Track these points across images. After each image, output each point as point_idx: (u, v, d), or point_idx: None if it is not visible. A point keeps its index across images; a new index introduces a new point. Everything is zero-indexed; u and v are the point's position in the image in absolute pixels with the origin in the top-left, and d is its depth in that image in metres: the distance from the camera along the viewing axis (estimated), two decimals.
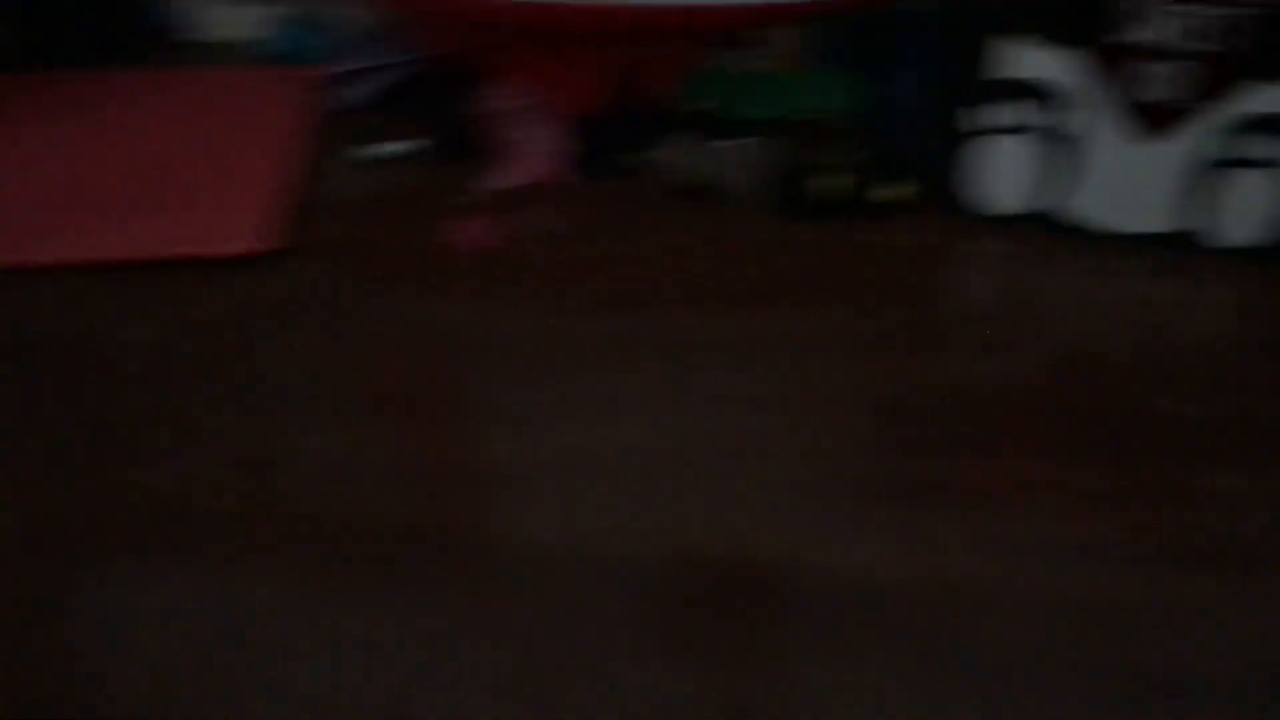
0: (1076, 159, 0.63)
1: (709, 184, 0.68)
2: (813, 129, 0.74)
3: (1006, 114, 0.63)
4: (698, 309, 0.60)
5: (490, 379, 0.55)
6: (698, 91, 0.74)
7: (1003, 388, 0.55)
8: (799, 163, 0.68)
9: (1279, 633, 0.43)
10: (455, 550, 0.45)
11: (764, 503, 0.48)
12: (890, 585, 0.44)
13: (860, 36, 0.73)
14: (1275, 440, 0.52)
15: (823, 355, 0.57)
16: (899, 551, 0.45)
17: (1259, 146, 0.60)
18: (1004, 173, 0.65)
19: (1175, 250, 0.64)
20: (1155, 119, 0.61)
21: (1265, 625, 0.43)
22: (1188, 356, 0.57)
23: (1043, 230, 0.66)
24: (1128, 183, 0.63)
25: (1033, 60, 0.61)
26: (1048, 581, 0.44)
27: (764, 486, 0.49)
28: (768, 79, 0.73)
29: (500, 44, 0.71)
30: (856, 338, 0.58)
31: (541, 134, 0.69)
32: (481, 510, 0.47)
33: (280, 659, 0.40)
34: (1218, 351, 0.58)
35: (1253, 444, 0.52)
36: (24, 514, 0.46)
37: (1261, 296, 0.62)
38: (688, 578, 0.44)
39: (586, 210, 0.68)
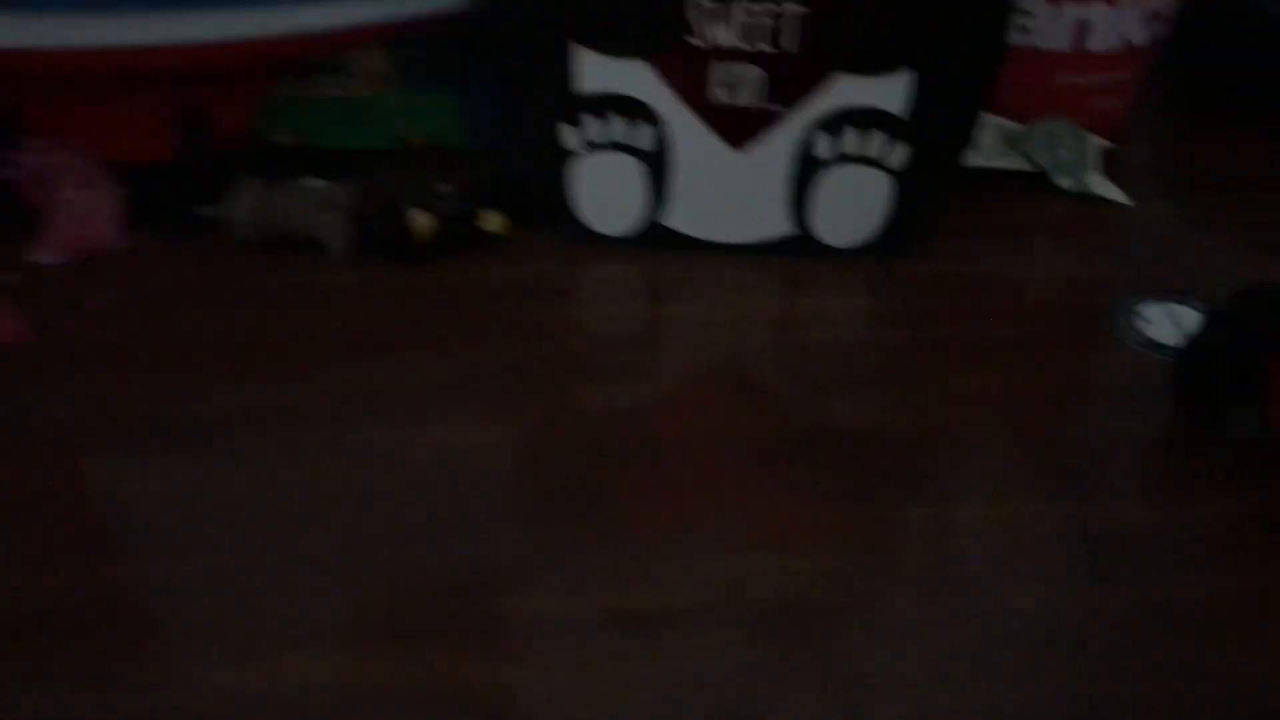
0: (677, 173, 0.60)
1: (294, 230, 0.61)
2: (410, 158, 0.68)
3: (600, 130, 0.59)
4: (298, 379, 0.53)
5: (77, 489, 0.47)
6: (277, 125, 0.66)
7: (645, 421, 0.51)
8: (395, 197, 0.62)
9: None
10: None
11: (409, 600, 0.42)
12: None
13: (451, 55, 0.67)
14: (918, 459, 0.50)
15: (442, 408, 0.51)
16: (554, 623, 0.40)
17: (853, 142, 0.58)
18: (608, 192, 0.61)
19: (792, 256, 0.62)
20: (746, 124, 0.58)
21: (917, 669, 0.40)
22: (830, 369, 0.55)
23: (656, 249, 0.62)
24: (733, 192, 0.60)
25: (617, 73, 0.57)
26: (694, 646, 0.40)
27: (399, 582, 0.43)
28: (356, 106, 0.67)
29: (31, 94, 0.62)
30: (475, 384, 0.53)
31: (89, 194, 0.60)
32: (147, 648, 0.40)
33: None
34: (856, 362, 0.55)
35: (925, 463, 0.49)
36: None
37: (884, 297, 0.60)
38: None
39: (147, 278, 0.59)
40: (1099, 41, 0.68)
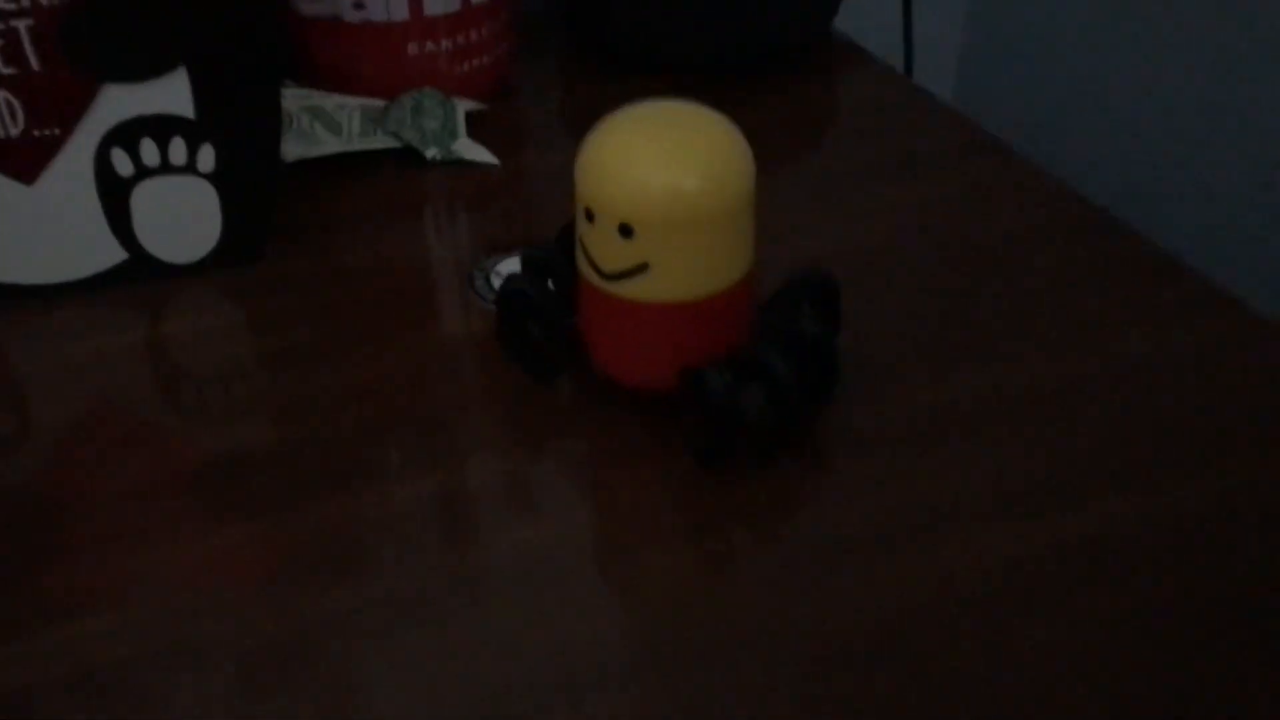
0: None
1: None
2: None
3: None
4: None
5: None
6: None
7: (50, 487, 0.46)
8: None
9: None
10: None
11: None
12: None
13: None
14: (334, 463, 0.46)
15: None
16: None
17: (152, 153, 0.54)
18: None
19: (136, 282, 0.57)
20: (25, 156, 0.53)
21: None
22: (230, 392, 0.51)
23: None
24: (43, 231, 0.55)
25: None
26: None
27: None
28: None
29: None
30: None
31: None
32: None
33: None
34: (248, 382, 0.51)
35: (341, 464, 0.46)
36: None
37: (252, 307, 0.57)
38: None
39: None
40: (437, 5, 0.67)
